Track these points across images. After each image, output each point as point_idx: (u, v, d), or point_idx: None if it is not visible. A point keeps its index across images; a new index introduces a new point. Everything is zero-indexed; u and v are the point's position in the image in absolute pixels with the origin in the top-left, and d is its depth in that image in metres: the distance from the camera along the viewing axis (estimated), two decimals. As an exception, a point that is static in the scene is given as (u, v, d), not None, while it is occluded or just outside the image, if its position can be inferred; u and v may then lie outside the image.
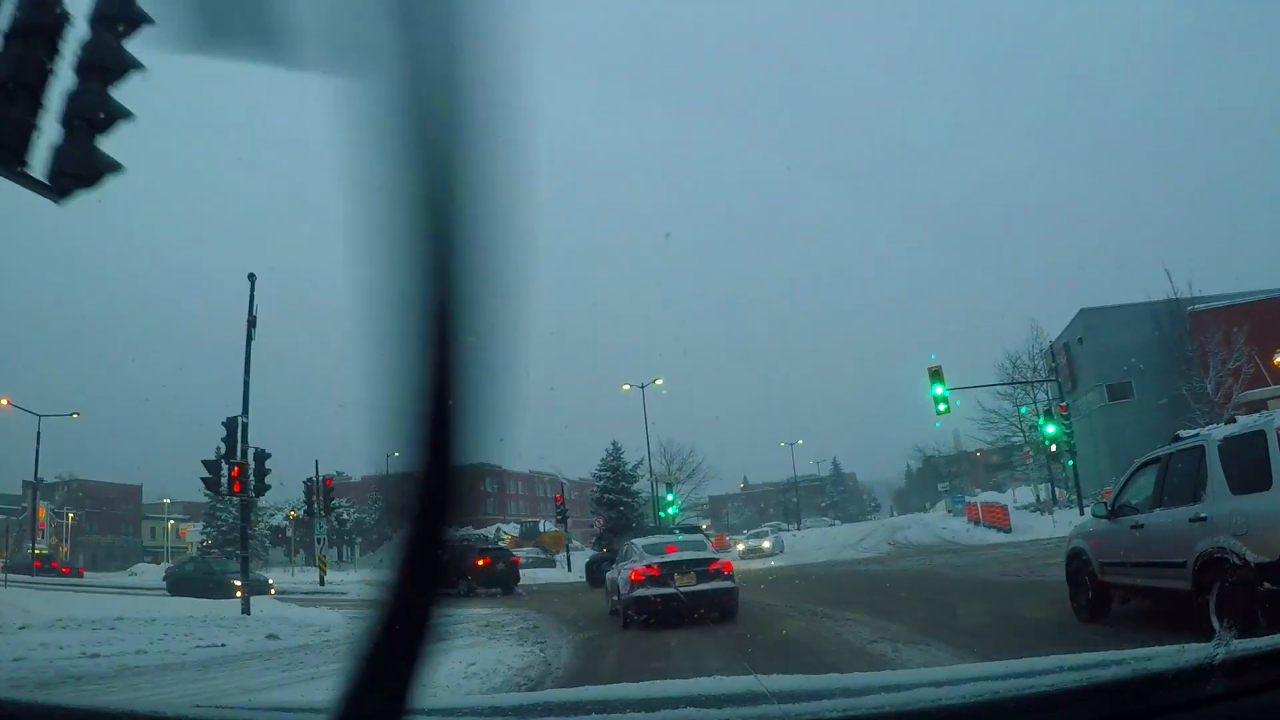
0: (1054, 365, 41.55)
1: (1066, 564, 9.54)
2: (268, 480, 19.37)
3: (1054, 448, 34.68)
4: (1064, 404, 35.49)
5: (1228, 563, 6.23)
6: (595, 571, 26.93)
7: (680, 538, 16.38)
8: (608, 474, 44.16)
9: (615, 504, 42.20)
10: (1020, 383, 43.21)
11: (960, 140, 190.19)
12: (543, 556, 50.11)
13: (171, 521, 77.70)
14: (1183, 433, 7.94)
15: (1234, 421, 7.11)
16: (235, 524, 48.31)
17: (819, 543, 47.36)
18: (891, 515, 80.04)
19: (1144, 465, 8.37)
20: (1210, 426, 7.69)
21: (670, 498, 47.98)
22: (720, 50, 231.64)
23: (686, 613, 12.02)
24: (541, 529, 55.82)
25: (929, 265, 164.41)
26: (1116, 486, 8.86)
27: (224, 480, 18.62)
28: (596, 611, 16.39)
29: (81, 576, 44.39)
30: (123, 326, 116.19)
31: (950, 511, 49.82)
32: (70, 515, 69.46)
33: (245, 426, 18.44)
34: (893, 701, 1.60)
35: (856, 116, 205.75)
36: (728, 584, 12.67)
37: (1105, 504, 8.85)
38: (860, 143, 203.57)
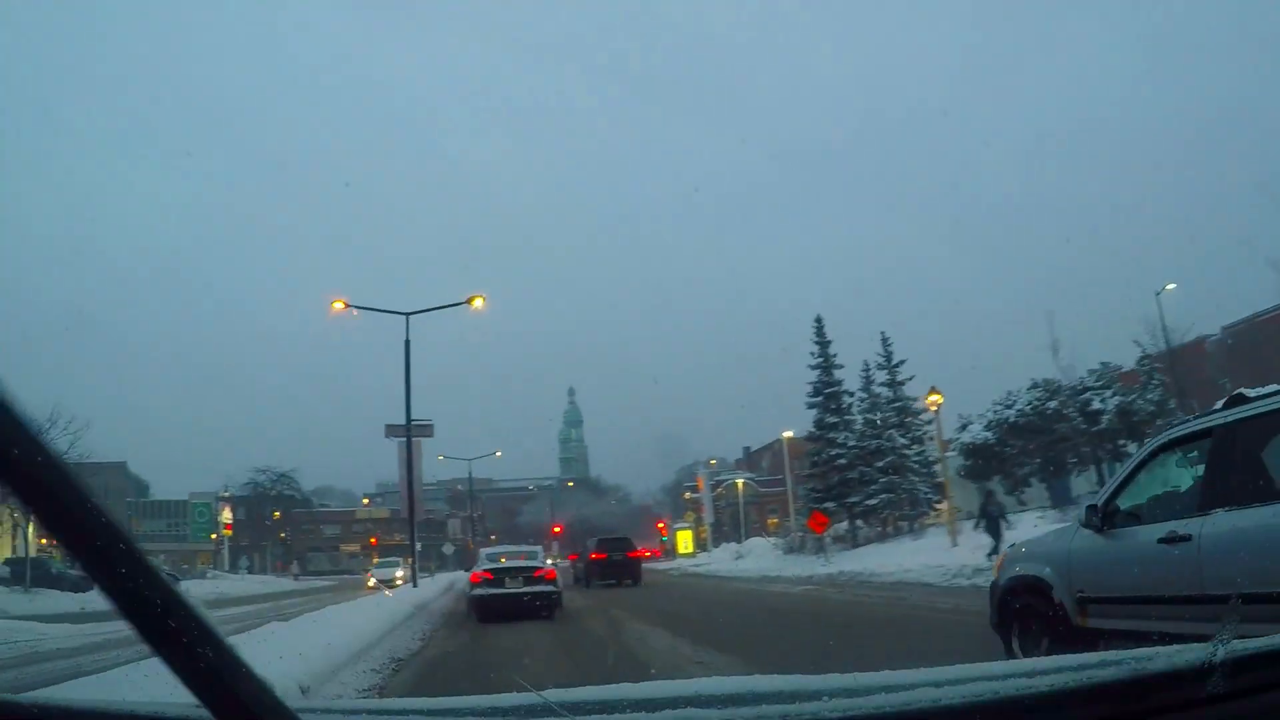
0: None
1: (1001, 602, 6.59)
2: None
3: None
4: None
5: None
6: None
7: (519, 548, 19.31)
8: None
9: None
10: None
11: None
12: None
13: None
14: (1248, 392, 5.04)
15: None
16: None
17: None
18: None
19: (1168, 447, 5.61)
20: None
21: None
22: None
23: (515, 610, 14.61)
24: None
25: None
26: (1112, 483, 5.98)
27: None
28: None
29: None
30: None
31: None
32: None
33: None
34: (893, 702, 1.60)
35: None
36: (549, 588, 15.32)
37: (1095, 507, 5.76)
38: None
